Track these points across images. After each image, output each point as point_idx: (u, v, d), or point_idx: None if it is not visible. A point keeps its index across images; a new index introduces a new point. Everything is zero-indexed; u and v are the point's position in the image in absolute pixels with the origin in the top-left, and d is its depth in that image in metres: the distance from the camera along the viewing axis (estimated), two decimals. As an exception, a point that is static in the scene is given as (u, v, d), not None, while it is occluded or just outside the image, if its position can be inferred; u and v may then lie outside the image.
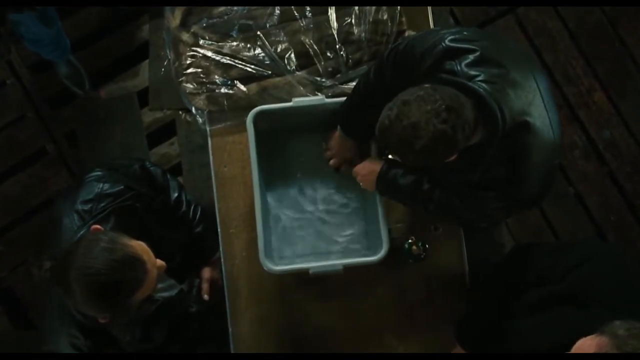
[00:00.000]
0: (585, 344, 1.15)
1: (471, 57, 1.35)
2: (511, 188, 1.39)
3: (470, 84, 1.30)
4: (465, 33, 1.42)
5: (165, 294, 1.59)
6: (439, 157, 1.29)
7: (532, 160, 1.36)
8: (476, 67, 1.34)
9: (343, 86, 1.91)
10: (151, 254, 1.32)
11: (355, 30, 1.93)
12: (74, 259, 1.24)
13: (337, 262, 1.71)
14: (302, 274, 1.73)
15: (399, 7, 1.94)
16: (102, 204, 1.47)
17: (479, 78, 1.32)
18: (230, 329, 1.84)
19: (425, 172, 1.56)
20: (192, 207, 1.77)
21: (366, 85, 1.60)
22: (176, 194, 1.74)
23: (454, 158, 1.32)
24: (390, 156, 1.67)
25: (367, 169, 1.67)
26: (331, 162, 1.85)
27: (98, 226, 1.37)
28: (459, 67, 1.35)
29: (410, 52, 1.45)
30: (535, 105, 1.36)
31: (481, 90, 1.29)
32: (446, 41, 1.38)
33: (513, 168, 1.36)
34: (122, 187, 1.52)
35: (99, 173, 1.55)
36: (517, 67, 1.38)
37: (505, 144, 1.32)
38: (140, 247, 1.30)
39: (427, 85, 1.28)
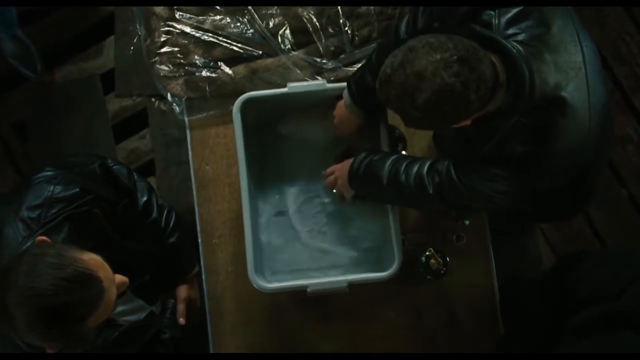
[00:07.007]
0: None
1: (514, 10, 1.41)
2: (523, 170, 1.43)
3: (503, 41, 1.35)
4: None
5: (132, 318, 1.62)
6: (446, 118, 1.32)
7: (558, 145, 1.40)
8: (517, 23, 1.40)
9: (347, 68, 1.94)
10: (108, 269, 1.32)
11: (363, 2, 1.97)
12: (14, 279, 1.23)
13: (340, 278, 1.74)
14: (298, 293, 1.77)
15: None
16: (53, 210, 1.48)
17: (517, 38, 1.38)
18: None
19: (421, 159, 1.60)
20: (165, 213, 1.80)
21: (392, 41, 1.62)
22: (145, 198, 1.77)
23: (465, 124, 1.37)
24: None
25: (347, 164, 1.71)
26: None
27: (44, 237, 1.36)
28: (497, 20, 1.41)
29: None
30: (577, 84, 1.40)
31: (514, 50, 1.34)
32: None
33: (533, 147, 1.40)
34: (77, 189, 1.53)
35: (49, 173, 1.56)
36: (565, 34, 1.42)
37: (530, 120, 1.37)
38: (94, 261, 1.30)
39: (441, 34, 1.32)
